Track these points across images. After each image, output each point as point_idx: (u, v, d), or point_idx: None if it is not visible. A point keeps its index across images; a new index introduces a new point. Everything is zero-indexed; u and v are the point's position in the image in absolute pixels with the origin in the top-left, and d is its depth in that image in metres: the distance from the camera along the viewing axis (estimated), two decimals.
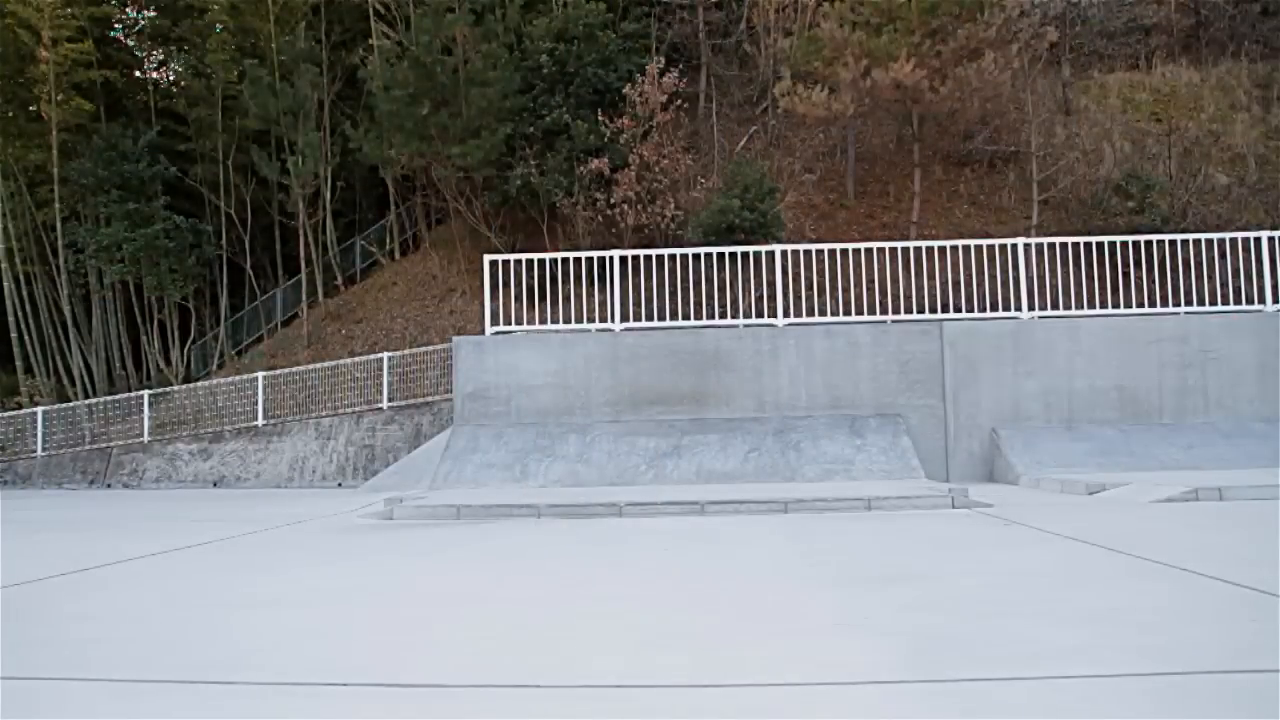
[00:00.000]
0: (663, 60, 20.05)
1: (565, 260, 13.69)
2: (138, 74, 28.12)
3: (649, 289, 13.10)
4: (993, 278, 13.81)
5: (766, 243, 15.39)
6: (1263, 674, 2.37)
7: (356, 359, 18.42)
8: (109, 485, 17.79)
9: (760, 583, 4.20)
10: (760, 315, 13.90)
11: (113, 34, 27.14)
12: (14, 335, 24.03)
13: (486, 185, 21.14)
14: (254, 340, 24.88)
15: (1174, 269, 12.45)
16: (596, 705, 2.29)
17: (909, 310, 13.32)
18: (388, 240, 25.10)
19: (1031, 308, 11.94)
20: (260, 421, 17.48)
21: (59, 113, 23.24)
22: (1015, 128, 21.45)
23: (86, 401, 21.08)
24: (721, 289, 15.16)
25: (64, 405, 20.82)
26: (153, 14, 27.28)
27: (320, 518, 8.44)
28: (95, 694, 2.49)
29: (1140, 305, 12.48)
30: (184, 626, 3.42)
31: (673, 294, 13.22)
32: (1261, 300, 11.88)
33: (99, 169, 23.31)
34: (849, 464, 10.63)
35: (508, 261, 12.74)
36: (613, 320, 12.28)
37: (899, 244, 13.50)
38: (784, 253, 12.50)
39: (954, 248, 13.15)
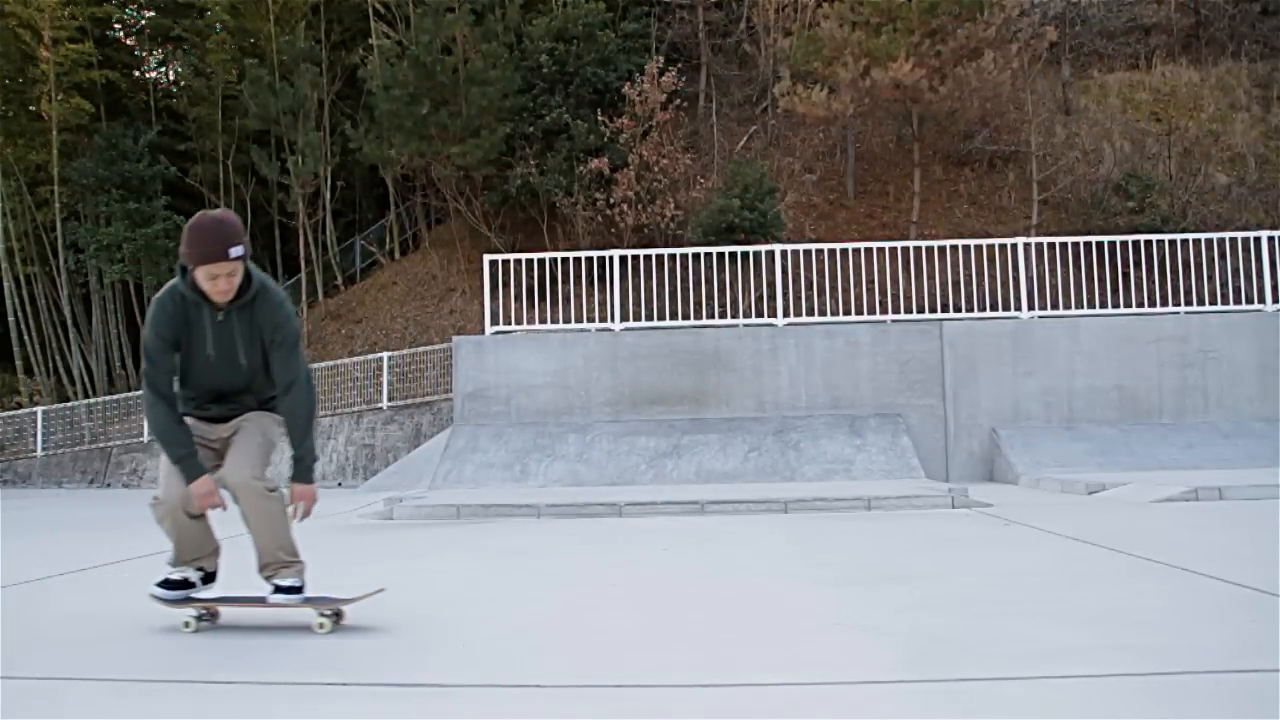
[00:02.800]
0: (662, 60, 20.05)
1: (565, 260, 13.69)
2: (138, 74, 28.13)
3: (649, 289, 13.10)
4: (993, 278, 13.80)
5: (766, 243, 15.38)
6: (1263, 674, 2.37)
7: (356, 359, 18.42)
8: (109, 485, 17.79)
9: (760, 582, 4.20)
10: (760, 315, 13.89)
11: (112, 34, 27.14)
12: (14, 335, 24.02)
13: (486, 185, 21.14)
14: None
15: (1174, 269, 12.44)
16: (596, 705, 2.29)
17: (909, 310, 13.32)
18: (388, 240, 25.11)
19: (1031, 308, 11.94)
20: None
21: (59, 112, 23.23)
22: (1015, 128, 21.45)
23: (86, 401, 21.08)
24: (721, 289, 15.15)
25: (64, 405, 20.83)
26: (152, 14, 27.28)
27: (320, 517, 8.42)
28: (95, 694, 2.49)
29: (1140, 305, 12.47)
30: (184, 626, 3.42)
31: (673, 294, 13.22)
32: (1261, 300, 11.87)
33: (99, 169, 23.31)
34: (849, 464, 10.63)
35: (507, 261, 12.74)
36: (613, 320, 12.28)
37: (899, 244, 13.49)
38: (784, 253, 12.49)
39: (954, 248, 13.15)
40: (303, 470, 3.38)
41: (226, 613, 3.45)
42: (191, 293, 3.19)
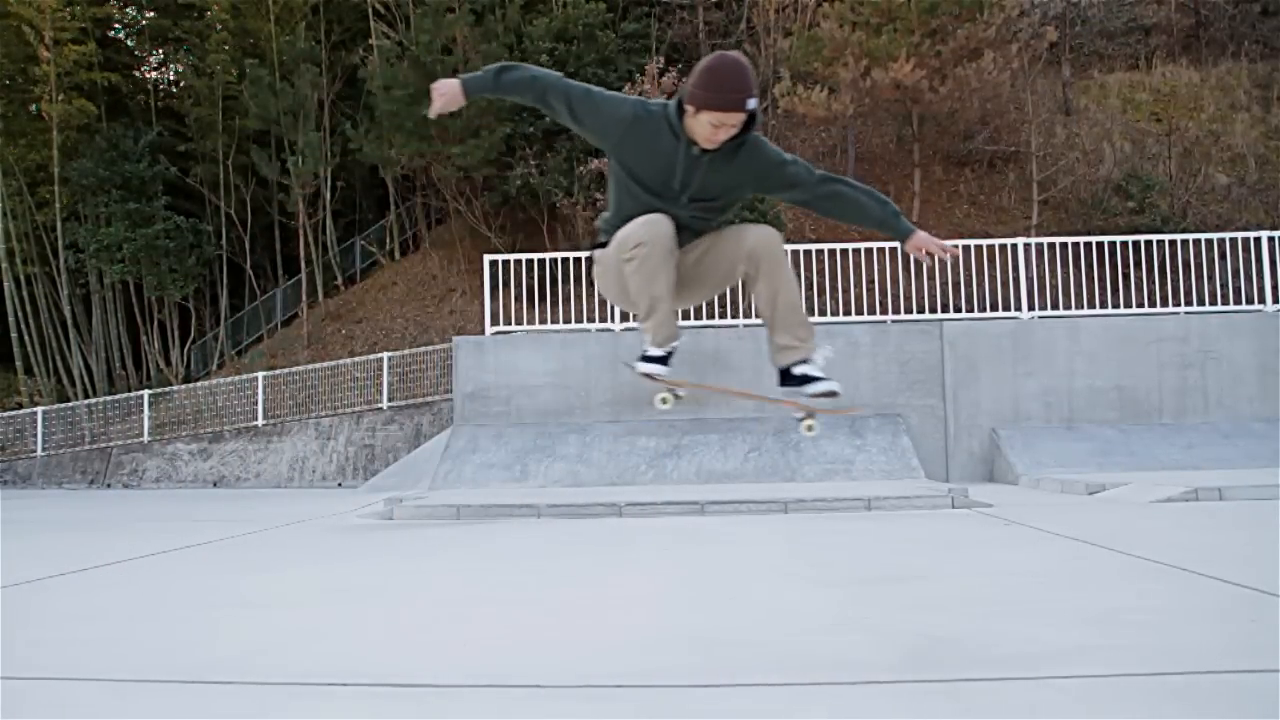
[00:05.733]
0: (663, 60, 20.05)
1: (565, 260, 13.68)
2: (138, 74, 28.17)
3: None
4: (993, 278, 13.80)
5: None
6: (1263, 674, 2.37)
7: (356, 359, 18.42)
8: (109, 485, 17.79)
9: (760, 582, 4.20)
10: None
11: (114, 34, 27.17)
12: (14, 335, 24.03)
13: (486, 185, 21.16)
14: (254, 340, 24.89)
15: (1174, 269, 12.45)
16: (596, 705, 2.29)
17: (909, 310, 13.33)
18: (388, 240, 25.12)
19: (1031, 308, 11.94)
20: (260, 421, 17.48)
21: (61, 113, 23.25)
22: (1015, 128, 21.46)
23: (86, 401, 21.08)
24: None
25: (64, 405, 20.83)
26: (153, 14, 27.31)
27: (320, 518, 8.44)
28: (95, 694, 2.49)
29: (1140, 305, 12.48)
30: (184, 626, 3.42)
31: None
32: (1261, 300, 11.87)
33: (100, 169, 23.33)
34: (849, 464, 10.63)
35: (507, 261, 12.74)
36: (613, 320, 12.28)
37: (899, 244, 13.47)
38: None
39: (954, 248, 13.13)
40: (904, 225, 3.27)
41: None
42: (678, 121, 2.89)
